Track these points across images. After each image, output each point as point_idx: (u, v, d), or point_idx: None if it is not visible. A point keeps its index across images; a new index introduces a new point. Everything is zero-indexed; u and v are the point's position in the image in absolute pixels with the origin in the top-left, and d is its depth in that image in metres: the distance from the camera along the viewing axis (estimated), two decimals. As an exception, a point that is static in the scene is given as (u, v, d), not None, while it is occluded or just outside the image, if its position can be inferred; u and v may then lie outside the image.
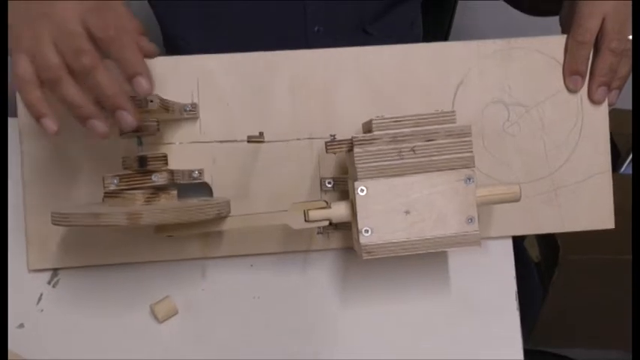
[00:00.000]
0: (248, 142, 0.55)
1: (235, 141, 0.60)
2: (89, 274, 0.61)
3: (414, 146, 0.52)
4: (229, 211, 0.56)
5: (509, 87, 0.63)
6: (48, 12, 0.48)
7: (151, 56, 0.52)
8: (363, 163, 0.52)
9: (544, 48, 0.63)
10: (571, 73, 0.62)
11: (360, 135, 0.52)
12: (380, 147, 0.52)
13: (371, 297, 0.62)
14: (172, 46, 0.79)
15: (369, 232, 0.52)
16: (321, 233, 0.62)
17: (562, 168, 0.64)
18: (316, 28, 0.76)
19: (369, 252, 0.53)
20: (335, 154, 0.59)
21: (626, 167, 1.36)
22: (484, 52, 0.63)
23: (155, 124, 0.55)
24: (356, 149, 0.52)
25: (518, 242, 1.38)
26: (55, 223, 0.50)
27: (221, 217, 0.55)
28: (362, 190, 0.52)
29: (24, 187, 0.60)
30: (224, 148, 0.60)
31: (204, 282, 0.61)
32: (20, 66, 0.48)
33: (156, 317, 0.59)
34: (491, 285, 0.63)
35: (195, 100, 0.60)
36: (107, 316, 0.60)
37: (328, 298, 0.62)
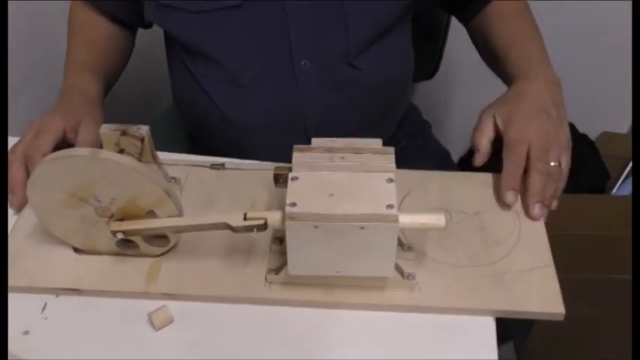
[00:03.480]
0: (211, 168, 0.63)
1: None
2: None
3: (344, 155, 0.59)
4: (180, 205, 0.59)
5: (451, 201, 0.69)
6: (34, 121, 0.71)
7: None
8: (298, 161, 0.58)
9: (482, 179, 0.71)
10: (506, 189, 0.67)
11: (300, 145, 0.60)
12: (315, 154, 0.59)
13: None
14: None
15: (294, 205, 0.54)
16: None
17: (504, 259, 0.63)
18: (303, 63, 0.78)
19: (291, 218, 0.53)
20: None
21: (618, 189, 1.19)
22: (429, 176, 0.72)
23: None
24: (295, 153, 0.59)
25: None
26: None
27: (171, 215, 0.59)
28: (293, 178, 0.57)
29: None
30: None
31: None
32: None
33: (153, 325, 0.59)
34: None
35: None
36: (107, 323, 0.60)
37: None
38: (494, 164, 0.71)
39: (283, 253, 0.62)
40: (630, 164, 1.25)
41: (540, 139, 0.66)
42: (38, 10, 1.12)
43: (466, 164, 0.74)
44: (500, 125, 0.68)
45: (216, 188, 0.70)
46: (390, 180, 0.56)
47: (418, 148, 0.94)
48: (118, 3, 0.84)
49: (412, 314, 0.60)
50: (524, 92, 0.70)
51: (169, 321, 0.59)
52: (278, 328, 0.59)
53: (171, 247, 0.64)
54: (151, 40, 0.99)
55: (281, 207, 0.56)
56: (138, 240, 0.62)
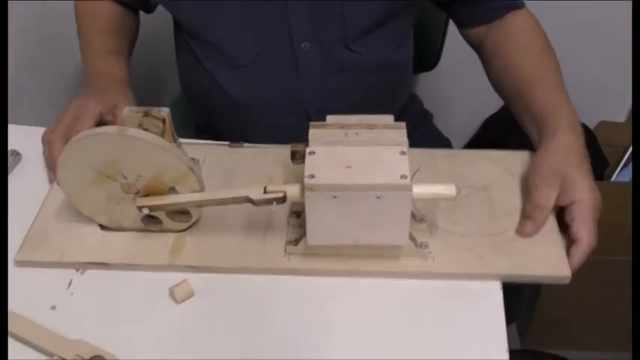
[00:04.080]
0: (230, 147, 0.65)
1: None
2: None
3: (358, 131, 0.61)
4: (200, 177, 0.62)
5: (459, 177, 0.71)
6: (70, 103, 0.73)
7: None
8: (314, 137, 0.61)
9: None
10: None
11: (316, 122, 0.62)
12: (330, 130, 0.61)
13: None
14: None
15: (312, 178, 0.56)
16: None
17: (512, 229, 0.65)
18: (303, 45, 0.79)
19: (311, 188, 0.56)
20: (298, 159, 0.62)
21: (617, 176, 1.21)
22: (438, 154, 0.74)
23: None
24: (311, 130, 0.61)
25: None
26: None
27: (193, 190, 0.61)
28: (311, 152, 0.59)
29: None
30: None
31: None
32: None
33: (174, 299, 0.61)
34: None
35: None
36: (130, 298, 0.62)
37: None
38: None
39: (301, 226, 0.64)
40: (629, 152, 1.27)
41: (599, 207, 0.64)
42: (43, 9, 1.14)
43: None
44: (559, 193, 0.65)
45: (234, 167, 0.73)
46: (403, 152, 0.59)
47: (419, 137, 0.95)
48: None
49: (425, 281, 0.62)
50: (569, 150, 0.66)
51: (190, 294, 0.62)
52: (295, 297, 0.62)
53: (194, 223, 0.66)
54: (157, 32, 1.02)
55: (299, 181, 0.58)
56: (162, 216, 0.65)
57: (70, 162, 0.60)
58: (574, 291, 1.13)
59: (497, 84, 0.81)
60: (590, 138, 1.30)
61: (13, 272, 0.64)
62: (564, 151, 0.65)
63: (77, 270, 0.64)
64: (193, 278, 0.63)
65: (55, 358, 0.55)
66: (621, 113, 1.43)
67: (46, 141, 0.71)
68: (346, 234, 0.59)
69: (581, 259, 0.62)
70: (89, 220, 0.66)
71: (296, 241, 0.63)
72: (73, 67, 1.23)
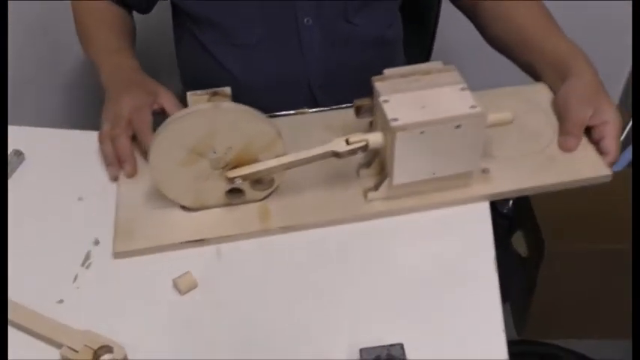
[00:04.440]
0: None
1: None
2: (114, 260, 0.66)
3: (417, 78, 0.68)
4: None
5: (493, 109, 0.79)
6: (118, 100, 0.74)
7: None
8: (382, 89, 0.67)
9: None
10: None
11: (377, 77, 0.68)
12: (393, 80, 0.68)
13: (361, 268, 0.65)
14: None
15: (397, 120, 0.63)
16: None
17: (549, 146, 0.75)
18: (306, 20, 0.84)
19: (399, 129, 0.62)
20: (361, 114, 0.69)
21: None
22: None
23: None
24: (376, 83, 0.68)
25: (505, 240, 1.22)
26: None
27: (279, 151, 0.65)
28: (385, 101, 0.65)
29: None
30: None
31: (220, 260, 0.66)
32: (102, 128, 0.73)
33: (178, 290, 0.62)
34: (469, 251, 0.66)
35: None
36: (135, 290, 0.64)
37: (331, 268, 0.65)
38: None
39: (374, 175, 0.70)
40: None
41: (621, 124, 0.74)
42: (42, 9, 1.11)
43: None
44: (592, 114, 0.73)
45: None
46: (463, 88, 0.66)
47: None
48: None
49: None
50: (595, 83, 0.75)
51: (194, 286, 0.63)
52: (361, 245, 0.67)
53: (274, 190, 0.70)
54: (152, 35, 1.03)
55: (381, 128, 0.64)
56: (245, 187, 0.68)
57: (164, 145, 0.63)
58: (569, 280, 1.19)
59: (499, 41, 0.87)
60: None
61: (16, 271, 0.64)
62: (592, 83, 0.75)
63: (82, 265, 0.65)
64: (197, 265, 0.64)
65: (64, 348, 0.57)
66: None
67: (112, 137, 0.72)
68: (427, 168, 0.66)
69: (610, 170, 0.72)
70: (169, 206, 0.68)
71: (376, 187, 0.69)
72: (74, 69, 1.22)
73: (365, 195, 0.69)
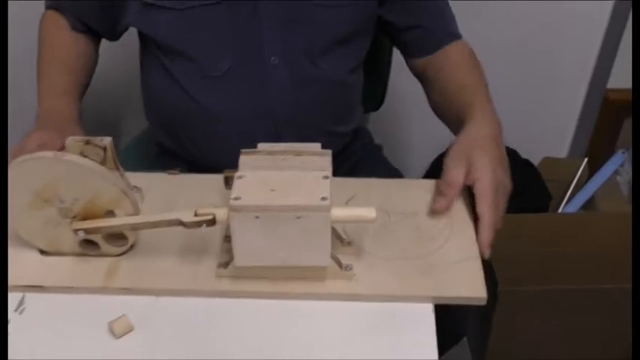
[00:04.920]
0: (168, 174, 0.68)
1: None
2: (52, 300, 0.65)
3: (286, 157, 0.64)
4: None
5: (391, 203, 0.74)
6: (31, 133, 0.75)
7: None
8: (244, 163, 0.63)
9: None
10: (487, 246, 0.68)
11: (246, 149, 0.65)
12: (260, 156, 0.64)
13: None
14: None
15: (239, 200, 0.59)
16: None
17: (436, 253, 0.68)
18: (272, 59, 0.85)
19: (235, 209, 0.58)
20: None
21: (563, 209, 1.29)
22: (372, 182, 0.77)
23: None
24: (241, 157, 0.64)
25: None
26: None
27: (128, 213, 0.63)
28: (240, 177, 0.62)
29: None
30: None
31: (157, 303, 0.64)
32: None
33: (113, 333, 0.61)
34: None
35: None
36: (70, 332, 0.62)
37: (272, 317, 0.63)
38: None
39: (231, 250, 0.66)
40: (572, 186, 1.33)
41: (505, 187, 0.72)
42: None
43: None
44: (466, 172, 0.71)
45: (176, 196, 0.75)
46: (326, 177, 0.62)
47: (368, 167, 1.00)
48: (97, 10, 0.89)
49: (352, 303, 0.64)
50: (479, 136, 0.74)
51: (129, 329, 0.62)
52: (228, 321, 0.62)
53: (130, 247, 0.68)
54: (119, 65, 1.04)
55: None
56: (99, 240, 0.66)
57: (11, 186, 0.62)
58: (518, 321, 1.19)
59: (435, 106, 0.90)
60: (534, 173, 1.35)
61: None
62: (474, 137, 0.73)
63: (15, 310, 0.63)
64: (133, 314, 0.62)
65: None
66: (563, 149, 1.50)
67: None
68: (272, 255, 0.61)
69: (487, 236, 0.67)
70: (28, 244, 0.68)
71: (226, 264, 0.65)
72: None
73: (216, 271, 0.66)
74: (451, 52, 0.90)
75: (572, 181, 1.33)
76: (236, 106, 0.88)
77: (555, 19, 1.32)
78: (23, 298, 0.64)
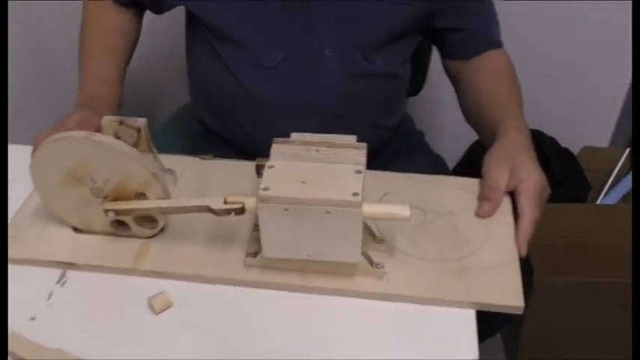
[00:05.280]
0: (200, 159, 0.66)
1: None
2: (93, 275, 0.65)
3: (319, 149, 0.62)
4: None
5: (427, 201, 0.71)
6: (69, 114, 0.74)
7: None
8: (276, 153, 0.61)
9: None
10: (525, 244, 0.66)
11: (280, 139, 0.63)
12: (293, 146, 0.62)
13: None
14: None
15: (267, 190, 0.57)
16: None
17: (471, 256, 0.65)
18: (327, 51, 0.84)
19: (263, 200, 0.56)
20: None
21: (602, 200, 1.23)
22: (409, 178, 0.74)
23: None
24: (274, 145, 0.62)
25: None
26: None
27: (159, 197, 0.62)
28: (270, 166, 0.60)
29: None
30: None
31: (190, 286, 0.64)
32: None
33: (153, 309, 0.61)
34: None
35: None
36: (110, 309, 0.62)
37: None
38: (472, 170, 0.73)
39: (259, 240, 0.65)
40: (613, 176, 1.28)
41: (546, 191, 0.70)
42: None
43: (461, 174, 0.78)
44: (509, 175, 0.70)
45: (209, 182, 0.74)
46: (359, 171, 0.59)
47: (412, 152, 0.98)
48: None
49: (381, 302, 0.62)
50: (518, 143, 0.73)
51: (168, 305, 0.62)
52: (251, 312, 0.61)
53: (160, 230, 0.67)
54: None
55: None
56: (129, 221, 0.66)
57: (43, 163, 0.62)
58: (559, 311, 1.16)
59: (467, 111, 0.89)
60: (573, 162, 1.31)
61: None
62: (513, 144, 0.73)
63: (57, 282, 0.64)
64: (172, 290, 0.63)
65: None
66: (604, 138, 1.45)
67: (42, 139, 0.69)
68: (300, 248, 0.59)
69: (527, 233, 0.66)
70: (63, 222, 0.68)
71: (255, 254, 0.63)
72: (67, 89, 1.25)
73: (245, 260, 0.64)
74: (489, 60, 0.88)
75: (612, 172, 1.28)
76: (286, 96, 0.87)
77: (600, 6, 1.26)
78: (65, 272, 0.65)
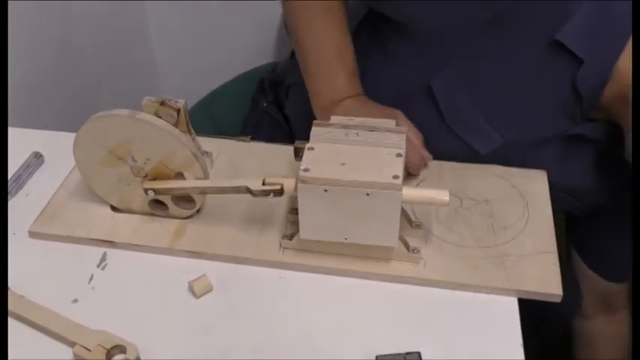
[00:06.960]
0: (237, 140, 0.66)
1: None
2: (133, 258, 0.65)
3: (359, 132, 0.61)
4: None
5: (463, 189, 0.70)
6: None
7: None
8: (315, 135, 0.61)
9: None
10: None
11: (318, 121, 0.62)
12: (332, 129, 0.61)
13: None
14: None
15: (307, 171, 0.56)
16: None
17: (509, 243, 0.63)
18: None
19: (304, 181, 0.56)
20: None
21: None
22: (444, 166, 0.73)
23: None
24: (313, 127, 0.62)
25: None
26: None
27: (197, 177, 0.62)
28: (310, 148, 0.59)
29: None
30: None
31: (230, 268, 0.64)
32: None
33: (193, 293, 0.61)
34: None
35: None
36: (151, 291, 0.62)
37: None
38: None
39: (297, 223, 0.64)
40: None
41: None
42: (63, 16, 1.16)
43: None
44: None
45: (245, 164, 0.74)
46: (399, 155, 0.58)
47: None
48: None
49: (416, 287, 0.61)
50: None
51: (209, 289, 0.61)
52: (288, 294, 0.61)
53: (197, 211, 0.67)
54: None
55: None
56: (167, 201, 0.66)
57: (85, 141, 0.62)
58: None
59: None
60: None
61: (33, 270, 0.64)
62: None
63: (98, 266, 0.64)
64: (209, 270, 0.62)
65: (77, 347, 0.55)
66: None
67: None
68: (337, 230, 0.59)
69: None
70: (101, 201, 0.68)
71: (291, 236, 0.63)
72: (96, 74, 1.25)
73: (280, 242, 0.64)
74: None
75: None
76: None
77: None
78: (105, 254, 0.65)
